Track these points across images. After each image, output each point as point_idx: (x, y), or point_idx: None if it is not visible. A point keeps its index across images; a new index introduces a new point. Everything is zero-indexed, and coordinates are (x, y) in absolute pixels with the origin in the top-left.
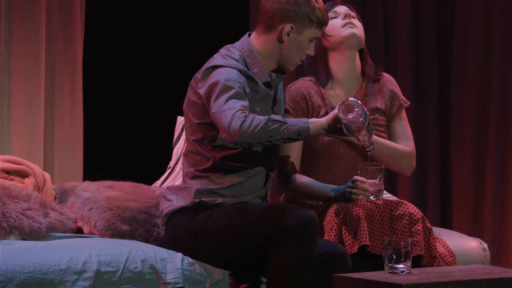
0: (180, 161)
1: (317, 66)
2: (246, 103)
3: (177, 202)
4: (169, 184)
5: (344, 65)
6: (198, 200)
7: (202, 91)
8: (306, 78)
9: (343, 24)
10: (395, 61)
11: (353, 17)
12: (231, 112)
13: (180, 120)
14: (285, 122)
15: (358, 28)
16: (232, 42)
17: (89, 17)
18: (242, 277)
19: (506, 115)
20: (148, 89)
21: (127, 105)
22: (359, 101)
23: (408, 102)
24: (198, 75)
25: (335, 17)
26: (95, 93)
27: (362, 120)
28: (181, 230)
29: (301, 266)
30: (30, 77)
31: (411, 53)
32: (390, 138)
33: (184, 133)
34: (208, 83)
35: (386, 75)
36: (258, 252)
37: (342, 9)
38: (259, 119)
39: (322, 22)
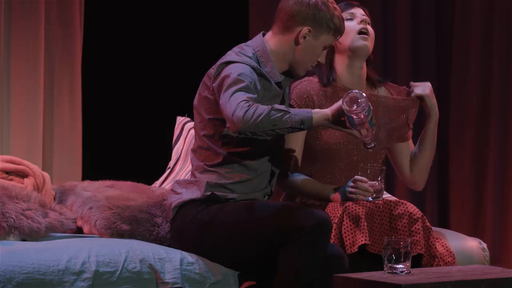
0: (180, 162)
1: (321, 64)
2: (253, 96)
3: (187, 195)
4: (177, 179)
5: (349, 72)
6: (209, 193)
7: (215, 85)
8: (312, 78)
9: (358, 31)
10: (395, 62)
11: (368, 23)
12: (236, 102)
13: (180, 120)
14: (288, 112)
15: (370, 38)
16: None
17: (88, 17)
18: (246, 275)
19: (506, 115)
20: (148, 89)
21: (127, 105)
22: (364, 94)
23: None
24: (211, 71)
25: (351, 19)
26: (95, 93)
27: (365, 113)
28: (190, 221)
29: (310, 267)
30: (29, 77)
31: (410, 54)
32: (397, 157)
33: (183, 133)
34: (221, 76)
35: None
36: (267, 251)
37: (358, 12)
38: (263, 108)
39: (339, 31)
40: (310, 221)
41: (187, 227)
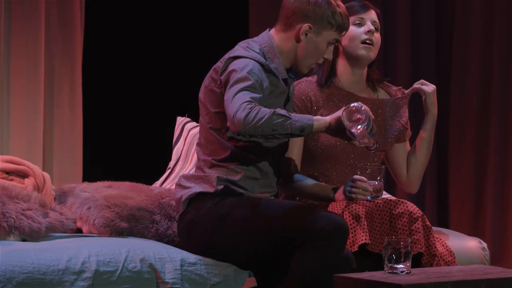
0: (180, 162)
1: (321, 64)
2: (257, 96)
3: (198, 188)
4: (183, 173)
5: (349, 75)
6: (222, 187)
7: (222, 78)
8: (311, 78)
9: (363, 40)
10: (395, 62)
11: (376, 30)
12: (239, 102)
13: (180, 120)
14: (290, 117)
15: (374, 48)
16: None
17: (89, 17)
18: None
19: (506, 115)
20: (148, 89)
21: (127, 105)
22: (363, 106)
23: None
24: (219, 64)
25: (359, 24)
26: (95, 94)
27: (365, 126)
28: (205, 213)
29: (324, 271)
30: (29, 78)
31: (410, 54)
32: (394, 159)
33: (183, 133)
34: (228, 70)
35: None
36: (279, 250)
37: (369, 17)
38: (264, 112)
39: (342, 27)
40: (328, 225)
41: (201, 220)
